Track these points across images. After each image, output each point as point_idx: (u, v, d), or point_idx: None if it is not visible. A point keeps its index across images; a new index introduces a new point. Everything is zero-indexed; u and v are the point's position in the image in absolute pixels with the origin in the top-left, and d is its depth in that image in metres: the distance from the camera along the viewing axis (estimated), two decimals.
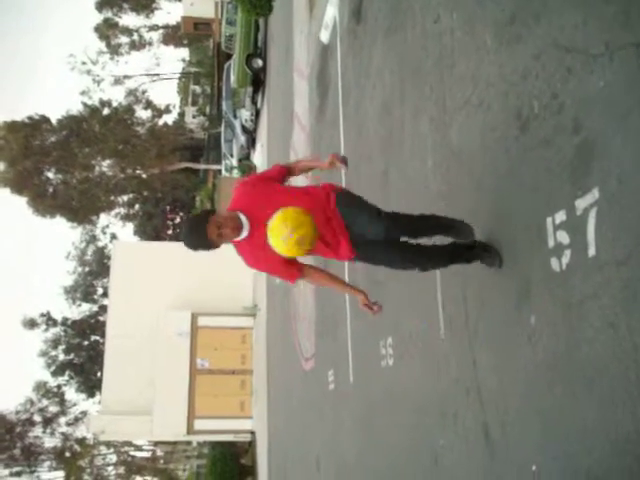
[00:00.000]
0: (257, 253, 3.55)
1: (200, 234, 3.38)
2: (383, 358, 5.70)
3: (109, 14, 45.66)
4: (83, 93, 37.33)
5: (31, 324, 42.17)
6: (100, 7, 45.55)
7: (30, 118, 33.03)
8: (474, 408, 3.78)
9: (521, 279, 3.27)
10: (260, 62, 20.45)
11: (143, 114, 38.50)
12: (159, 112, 39.91)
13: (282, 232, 3.11)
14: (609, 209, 2.56)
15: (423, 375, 4.76)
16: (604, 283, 2.56)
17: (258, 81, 21.24)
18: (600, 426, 2.56)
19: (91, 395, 41.25)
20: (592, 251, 2.64)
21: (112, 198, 37.74)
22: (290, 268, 3.61)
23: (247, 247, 3.59)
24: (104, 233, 43.72)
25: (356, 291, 3.69)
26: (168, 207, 47.13)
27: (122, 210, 42.51)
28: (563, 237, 2.86)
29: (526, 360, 3.18)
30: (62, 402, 41.62)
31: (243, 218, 3.46)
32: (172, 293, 21.51)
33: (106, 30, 44.41)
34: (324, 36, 9.48)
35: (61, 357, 42.30)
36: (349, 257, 3.65)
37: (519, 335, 3.24)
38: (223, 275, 21.73)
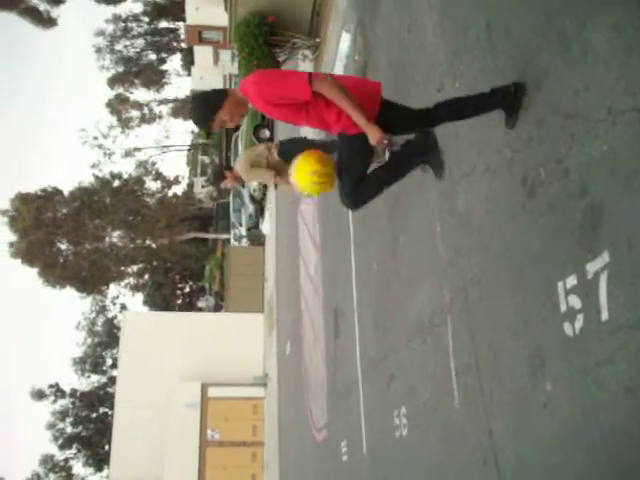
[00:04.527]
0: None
1: (204, 126, 3.67)
2: (397, 428, 5.58)
3: (121, 90, 47.05)
4: (94, 166, 38.08)
5: (39, 395, 41.77)
6: (112, 83, 46.99)
7: (43, 190, 33.61)
8: (492, 479, 3.67)
9: (534, 345, 3.22)
10: (267, 133, 20.82)
11: (153, 185, 39.19)
12: (168, 183, 40.57)
13: (306, 170, 3.60)
14: (620, 272, 2.55)
15: (438, 445, 4.65)
16: (619, 347, 2.52)
17: None
18: None
19: (99, 469, 40.42)
20: (605, 315, 2.61)
21: (122, 268, 37.96)
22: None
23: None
24: (114, 303, 43.82)
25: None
26: (177, 276, 47.28)
27: (132, 280, 42.67)
28: (575, 301, 2.84)
29: (543, 428, 3.11)
30: (69, 476, 40.85)
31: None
32: (181, 364, 21.33)
33: (117, 105, 45.66)
34: None
35: (69, 430, 41.69)
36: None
37: (535, 402, 3.18)
38: (233, 345, 21.62)
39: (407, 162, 4.14)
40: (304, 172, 3.61)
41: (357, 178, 3.82)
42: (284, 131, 17.66)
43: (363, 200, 4.12)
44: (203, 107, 3.64)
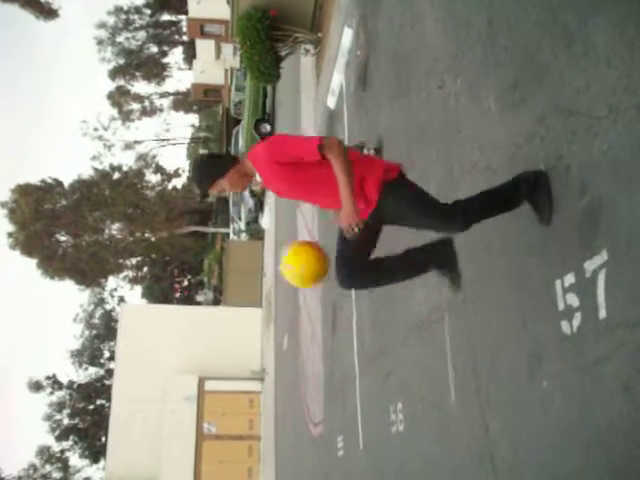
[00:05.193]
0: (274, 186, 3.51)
1: (202, 188, 3.40)
2: (393, 424, 5.59)
3: (122, 82, 46.96)
4: (94, 158, 38.06)
5: (37, 387, 41.79)
6: (113, 75, 46.90)
7: (43, 181, 33.58)
8: (487, 476, 3.67)
9: (532, 342, 3.22)
10: (268, 127, 20.81)
11: (153, 178, 39.15)
12: (168, 176, 40.53)
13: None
14: (619, 271, 2.54)
15: (434, 442, 4.65)
16: (616, 345, 2.52)
17: None
18: None
19: (95, 461, 40.47)
20: (603, 313, 2.61)
21: (121, 261, 37.97)
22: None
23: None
24: (112, 296, 43.81)
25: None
26: (176, 270, 47.27)
27: (130, 273, 42.66)
28: (573, 300, 2.83)
29: (539, 426, 3.11)
30: (66, 468, 40.91)
31: (257, 176, 3.45)
32: (179, 357, 21.35)
33: (118, 97, 45.58)
34: (331, 102, 9.66)
35: (66, 421, 41.71)
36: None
37: (531, 400, 3.18)
38: (230, 339, 21.64)
39: (421, 266, 3.85)
40: (300, 265, 3.33)
41: (361, 262, 3.55)
42: (283, 130, 17.65)
43: (363, 286, 4.00)
44: (206, 170, 3.43)
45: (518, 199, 3.24)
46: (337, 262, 3.52)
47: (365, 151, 6.70)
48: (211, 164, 3.48)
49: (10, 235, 32.91)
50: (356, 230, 3.17)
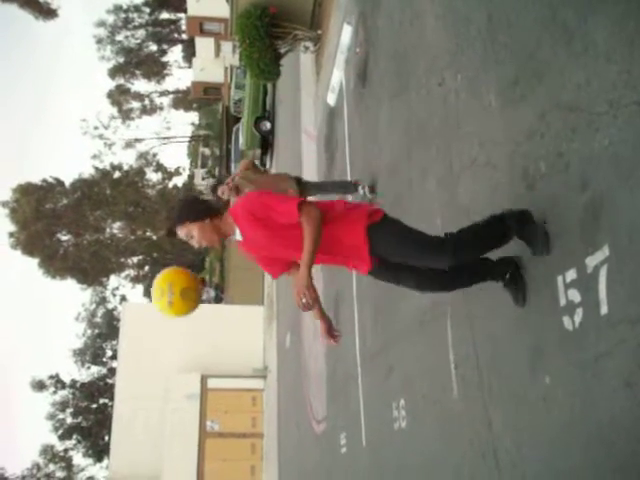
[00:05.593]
0: (252, 244, 3.40)
1: (171, 225, 3.31)
2: (396, 420, 5.60)
3: (121, 81, 46.94)
4: (94, 157, 38.06)
5: (40, 386, 41.87)
6: (113, 74, 46.88)
7: (44, 181, 33.60)
8: (490, 471, 3.68)
9: (534, 338, 3.23)
10: (268, 125, 20.80)
11: (153, 177, 39.15)
12: (169, 174, 40.54)
13: (164, 297, 3.18)
14: (620, 266, 2.55)
15: (437, 437, 4.66)
16: (618, 341, 2.52)
17: (266, 143, 21.56)
18: None
19: (99, 460, 40.56)
20: (604, 309, 2.61)
21: (122, 260, 37.98)
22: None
23: (243, 244, 3.43)
24: (114, 295, 43.84)
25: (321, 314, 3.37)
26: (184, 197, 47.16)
27: (132, 272, 42.67)
28: (574, 295, 2.84)
29: (542, 421, 3.11)
30: (69, 467, 41.00)
31: (237, 231, 3.32)
32: (181, 355, 21.37)
33: (118, 96, 45.57)
34: (331, 99, 9.66)
35: (69, 420, 41.80)
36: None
37: (534, 396, 3.18)
38: (233, 337, 21.65)
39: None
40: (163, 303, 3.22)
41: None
42: (283, 127, 17.66)
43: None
44: (185, 210, 3.32)
45: (508, 234, 3.26)
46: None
47: (360, 190, 6.77)
48: (191, 206, 3.35)
49: (11, 235, 32.95)
50: (305, 302, 3.05)
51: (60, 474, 40.63)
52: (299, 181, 6.79)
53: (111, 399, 29.84)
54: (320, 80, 11.15)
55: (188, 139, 51.48)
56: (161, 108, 49.20)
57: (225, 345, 21.38)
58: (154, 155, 41.96)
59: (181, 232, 3.29)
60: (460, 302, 4.20)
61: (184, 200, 3.51)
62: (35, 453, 46.88)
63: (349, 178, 7.85)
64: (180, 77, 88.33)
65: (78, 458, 41.96)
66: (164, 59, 50.89)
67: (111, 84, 47.17)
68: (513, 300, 3.37)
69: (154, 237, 36.71)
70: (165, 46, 50.54)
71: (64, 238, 34.35)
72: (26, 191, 32.53)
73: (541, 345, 3.15)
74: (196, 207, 3.34)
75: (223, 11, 21.09)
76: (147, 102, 48.16)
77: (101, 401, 41.90)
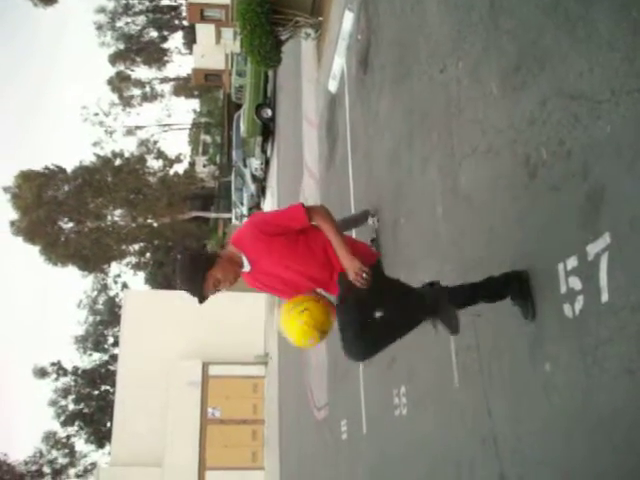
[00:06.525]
0: (260, 276, 3.41)
1: (195, 287, 3.20)
2: (397, 407, 5.62)
3: (122, 67, 46.76)
4: (95, 144, 37.97)
5: (42, 373, 42.04)
6: (113, 61, 46.69)
7: (46, 168, 33.54)
8: (490, 458, 3.70)
9: (534, 326, 3.23)
10: (269, 112, 20.75)
11: (154, 164, 39.02)
12: (170, 162, 40.39)
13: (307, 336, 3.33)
14: (621, 254, 2.55)
15: (438, 424, 4.68)
16: (619, 329, 2.53)
17: (267, 130, 21.53)
18: (621, 478, 2.50)
19: (101, 446, 40.81)
20: (605, 297, 2.62)
21: (123, 247, 37.97)
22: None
23: (249, 276, 3.43)
24: (115, 282, 43.92)
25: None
26: (179, 255, 47.23)
27: (133, 259, 42.69)
28: (575, 283, 2.84)
29: (542, 409, 3.13)
30: (72, 453, 41.23)
31: (245, 260, 3.30)
32: (183, 342, 21.44)
33: (119, 82, 45.41)
34: (332, 86, 9.63)
35: (71, 407, 42.02)
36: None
37: (534, 383, 3.19)
38: (234, 324, 21.69)
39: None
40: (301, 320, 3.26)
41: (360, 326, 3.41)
42: (285, 114, 17.60)
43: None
44: (194, 265, 3.23)
45: (503, 292, 3.38)
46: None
47: (370, 221, 6.70)
48: (196, 260, 3.28)
49: (13, 223, 32.95)
50: (367, 277, 3.18)
51: (63, 460, 40.87)
52: None
53: (113, 386, 29.98)
54: (321, 67, 11.11)
55: (189, 126, 51.37)
56: (162, 95, 49.06)
57: (227, 332, 21.45)
58: (155, 142, 41.85)
59: (209, 286, 3.23)
60: None
61: (186, 262, 3.29)
62: (38, 440, 47.15)
63: (350, 167, 7.83)
64: (181, 64, 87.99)
65: (80, 444, 42.26)
66: (165, 46, 50.72)
67: (112, 71, 47.05)
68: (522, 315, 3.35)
69: (155, 224, 36.69)
70: (166, 32, 50.33)
71: (65, 225, 34.33)
72: (28, 177, 32.49)
73: (541, 333, 3.16)
74: (200, 257, 3.32)
75: None
76: (148, 89, 48.02)
77: (103, 388, 42.10)
